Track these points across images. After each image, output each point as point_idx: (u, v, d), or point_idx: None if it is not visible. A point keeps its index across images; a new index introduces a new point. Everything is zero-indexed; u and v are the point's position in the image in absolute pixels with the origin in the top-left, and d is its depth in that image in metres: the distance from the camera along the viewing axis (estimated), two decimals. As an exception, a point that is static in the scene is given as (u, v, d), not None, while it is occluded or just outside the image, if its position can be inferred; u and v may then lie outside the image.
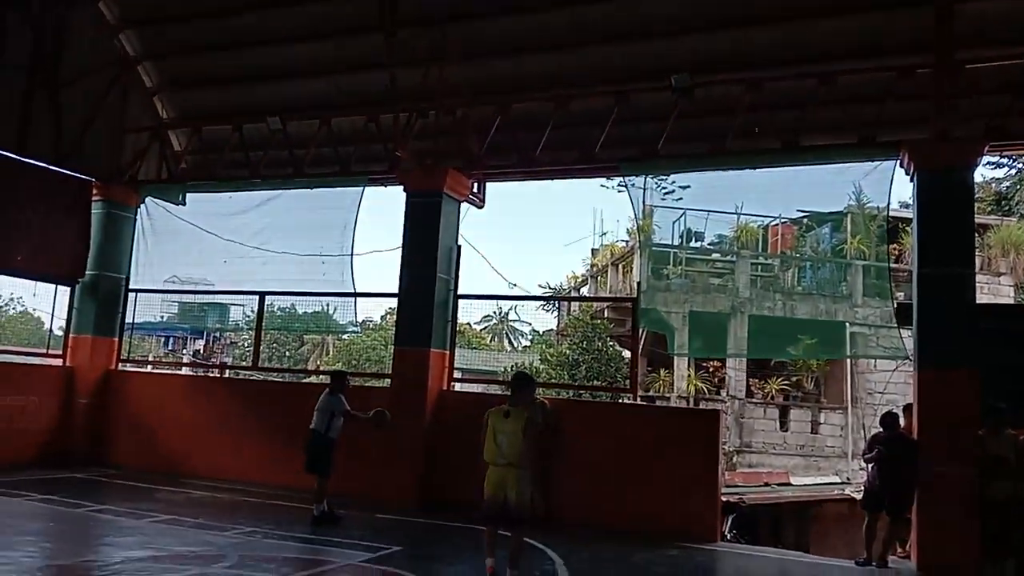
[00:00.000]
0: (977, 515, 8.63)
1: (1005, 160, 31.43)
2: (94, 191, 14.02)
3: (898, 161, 10.02)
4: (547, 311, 34.11)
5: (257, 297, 13.66)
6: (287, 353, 42.81)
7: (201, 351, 34.04)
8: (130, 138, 14.47)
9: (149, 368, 17.42)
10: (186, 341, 34.88)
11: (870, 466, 9.43)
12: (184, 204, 14.43)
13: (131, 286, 14.36)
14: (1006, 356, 9.45)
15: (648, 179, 13.05)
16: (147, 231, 14.53)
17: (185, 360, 31.48)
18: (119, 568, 6.70)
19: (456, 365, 12.29)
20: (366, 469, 11.13)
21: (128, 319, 14.37)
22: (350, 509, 10.13)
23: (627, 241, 29.14)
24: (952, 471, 8.75)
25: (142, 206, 14.50)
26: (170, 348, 34.36)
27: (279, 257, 13.26)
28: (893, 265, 17.81)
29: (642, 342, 14.74)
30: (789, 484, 16.09)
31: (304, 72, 13.28)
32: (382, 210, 14.36)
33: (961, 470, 8.73)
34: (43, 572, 6.51)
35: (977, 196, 31.31)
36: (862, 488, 10.79)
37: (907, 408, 9.79)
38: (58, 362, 13.90)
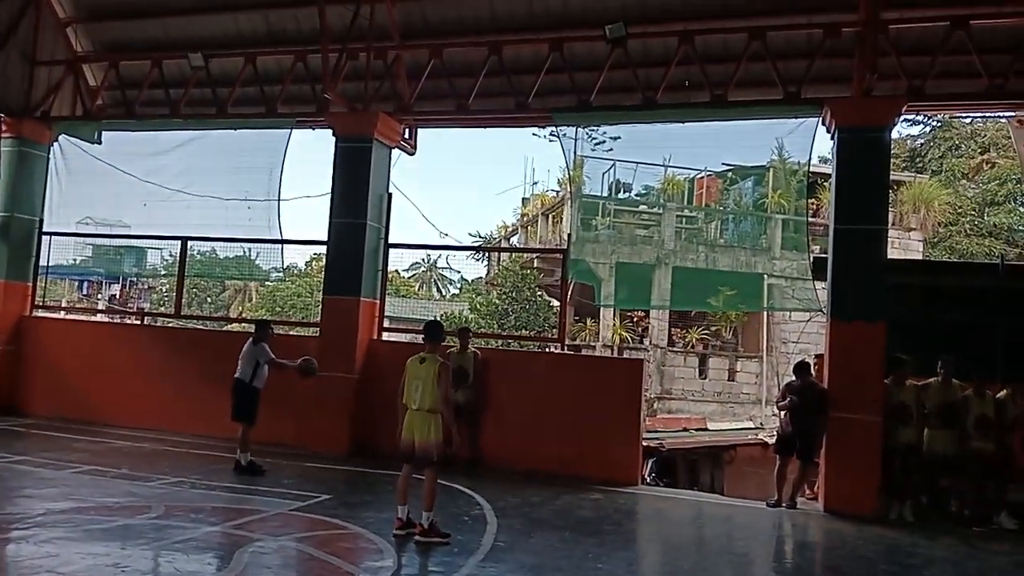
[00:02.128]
0: (880, 460, 9.18)
1: (920, 117, 32.54)
2: (3, 127, 13.30)
3: (820, 118, 10.30)
4: (477, 260, 34.20)
5: (178, 242, 13.26)
6: (208, 299, 41.84)
7: (117, 296, 32.96)
8: (42, 72, 13.70)
9: (63, 314, 16.79)
10: (101, 286, 33.71)
11: (783, 413, 9.89)
12: (100, 143, 13.80)
13: (44, 229, 13.75)
14: (911, 310, 9.98)
15: (579, 129, 13.06)
16: (61, 170, 13.90)
17: (101, 306, 30.45)
18: (41, 520, 6.57)
19: (385, 314, 12.26)
20: (296, 419, 11.14)
21: (42, 263, 13.79)
22: (281, 458, 10.13)
23: (557, 191, 29.28)
24: (858, 418, 9.25)
25: (55, 144, 13.84)
26: (85, 293, 33.17)
27: (202, 201, 12.85)
28: (811, 219, 18.41)
29: (570, 292, 14.95)
30: (706, 429, 16.73)
31: (229, 5, 12.74)
32: (310, 155, 14.06)
33: (867, 417, 9.23)
34: (-41, 525, 6.32)
35: (892, 152, 32.48)
36: (775, 433, 11.33)
37: (819, 357, 10.26)
38: (-34, 307, 13.28)
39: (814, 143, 10.86)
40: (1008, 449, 9.06)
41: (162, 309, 31.97)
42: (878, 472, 9.19)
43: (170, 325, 15.64)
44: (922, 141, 35.63)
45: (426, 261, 53.92)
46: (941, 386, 9.27)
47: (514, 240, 34.15)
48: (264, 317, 12.53)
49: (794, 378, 9.82)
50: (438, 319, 9.00)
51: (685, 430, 16.30)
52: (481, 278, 37.20)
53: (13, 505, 7.21)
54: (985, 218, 28.98)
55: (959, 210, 29.04)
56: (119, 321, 23.54)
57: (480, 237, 40.77)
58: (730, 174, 24.15)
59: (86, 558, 5.58)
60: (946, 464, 9.15)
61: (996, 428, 9.03)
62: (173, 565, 5.69)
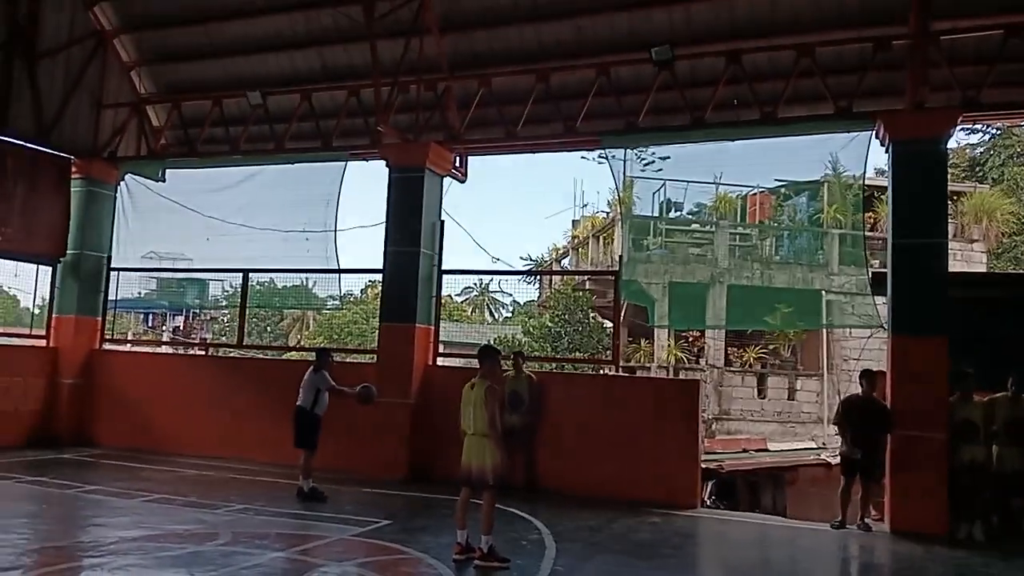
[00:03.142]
0: (947, 479, 8.93)
1: (979, 126, 31.69)
2: (74, 169, 13.90)
3: (874, 131, 10.17)
4: (529, 283, 34.25)
5: (239, 274, 13.63)
6: (267, 328, 42.72)
7: (181, 328, 33.88)
8: (108, 114, 14.35)
9: (130, 347, 17.38)
10: (165, 317, 34.67)
11: (845, 434, 9.63)
12: (164, 181, 14.36)
13: (112, 265, 14.30)
14: (974, 323, 9.72)
15: (628, 151, 13.11)
16: (127, 208, 14.47)
17: (165, 337, 31.34)
18: (114, 548, 6.80)
19: (440, 339, 12.40)
20: (355, 445, 11.31)
21: (110, 297, 14.32)
22: (341, 484, 10.30)
23: (607, 212, 29.28)
24: (923, 435, 9.03)
25: (122, 183, 14.43)
26: (150, 325, 34.17)
27: (262, 234, 13.24)
28: (868, 233, 18.08)
29: (623, 313, 14.92)
30: (767, 450, 16.43)
31: (284, 45, 13.23)
32: (365, 185, 14.39)
33: (932, 435, 9.01)
34: (39, 554, 6.59)
35: (951, 162, 31.69)
36: (838, 453, 11.09)
37: (880, 373, 10.02)
38: (42, 343, 13.86)
39: (868, 156, 10.75)
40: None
41: (224, 339, 32.79)
42: (945, 491, 8.93)
43: (232, 355, 16.05)
44: (982, 150, 34.67)
45: (478, 286, 54.23)
46: (1011, 402, 8.99)
47: (565, 262, 34.18)
48: (323, 345, 12.75)
49: (860, 388, 9.60)
50: (492, 343, 9.10)
51: (745, 451, 16.04)
52: (533, 301, 37.27)
53: (86, 534, 7.49)
54: (1051, 226, 28.00)
55: (1023, 220, 28.13)
56: (183, 352, 24.24)
57: (531, 260, 40.87)
58: (783, 190, 23.90)
59: (159, 584, 5.77)
60: (1018, 482, 8.85)
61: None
62: (241, 590, 5.84)
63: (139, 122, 14.45)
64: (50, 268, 13.91)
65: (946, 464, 8.97)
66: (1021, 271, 25.00)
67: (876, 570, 8.23)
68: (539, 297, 34.20)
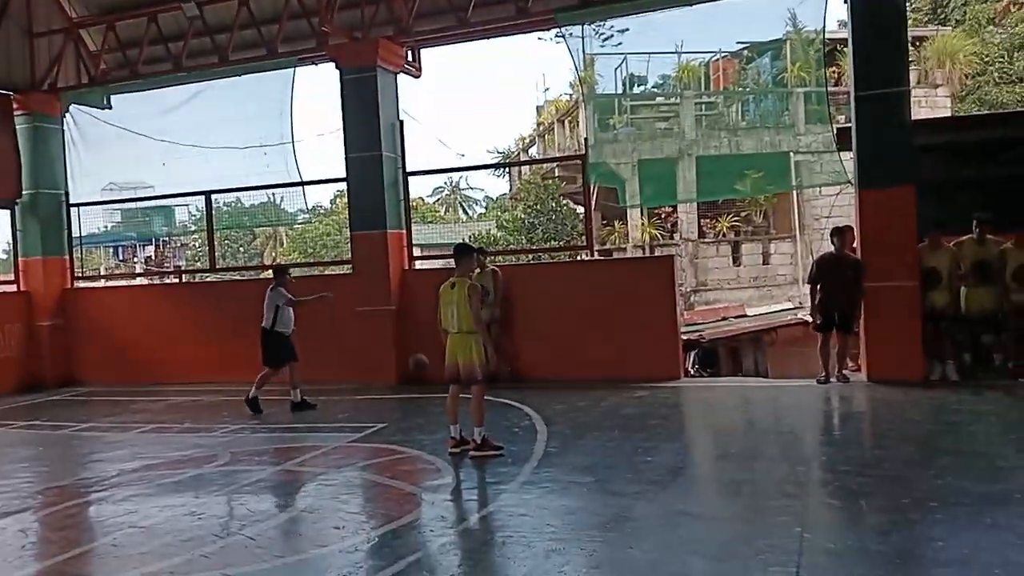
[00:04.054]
0: (919, 325, 9.19)
1: (940, -33, 30.98)
2: (15, 105, 13.36)
3: (831, -16, 9.91)
4: (498, 177, 33.95)
5: (203, 197, 13.37)
6: (240, 249, 42.37)
7: (153, 257, 33.51)
8: (42, 43, 13.67)
9: (103, 282, 17.20)
10: (135, 249, 34.25)
11: (818, 288, 9.83)
12: (110, 107, 13.88)
13: (71, 200, 13.95)
14: (940, 170, 9.79)
15: (585, 27, 12.73)
16: (76, 140, 14.01)
17: (138, 269, 31.02)
18: (117, 480, 6.92)
19: (414, 242, 12.34)
20: (345, 356, 11.44)
21: (75, 235, 14.05)
22: (333, 395, 10.46)
23: (571, 95, 28.73)
24: (894, 285, 9.23)
25: (67, 115, 13.91)
26: (121, 258, 33.77)
27: (220, 153, 12.93)
28: (832, 89, 17.94)
29: (594, 197, 14.85)
30: (745, 316, 16.74)
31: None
32: (322, 92, 13.95)
33: (902, 283, 9.21)
34: (44, 495, 6.69)
35: (913, 6, 31.11)
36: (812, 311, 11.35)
37: (849, 228, 10.14)
38: (12, 288, 13.66)
39: (827, 8, 10.50)
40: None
41: (198, 265, 32.50)
42: (918, 336, 9.21)
43: (208, 279, 15.95)
44: (944, -10, 34.02)
45: (448, 185, 53.71)
46: (976, 244, 9.17)
47: (532, 151, 33.78)
48: (281, 263, 12.43)
49: (831, 245, 9.76)
50: (466, 241, 9.08)
51: (724, 319, 16.33)
52: (505, 195, 37.04)
53: (87, 470, 7.59)
54: (1014, 64, 27.82)
55: (986, 59, 27.89)
56: (158, 282, 24.05)
57: (498, 153, 40.36)
58: (746, 52, 23.38)
59: (163, 511, 5.90)
60: (986, 320, 9.15)
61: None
62: (246, 507, 5.99)
63: (75, 48, 13.80)
64: (8, 211, 13.57)
65: (918, 310, 9.21)
66: (985, 112, 24.96)
67: (857, 417, 8.56)
68: (511, 190, 33.92)
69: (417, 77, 12.53)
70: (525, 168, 30.43)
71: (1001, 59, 28.27)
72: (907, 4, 10.06)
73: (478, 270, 10.67)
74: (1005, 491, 5.21)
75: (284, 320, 9.83)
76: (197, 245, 35.53)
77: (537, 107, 33.62)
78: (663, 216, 23.63)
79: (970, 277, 9.14)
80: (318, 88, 15.40)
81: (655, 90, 24.20)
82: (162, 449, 8.18)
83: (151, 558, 4.88)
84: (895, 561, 4.26)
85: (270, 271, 11.64)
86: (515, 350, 10.85)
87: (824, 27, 11.17)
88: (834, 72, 20.48)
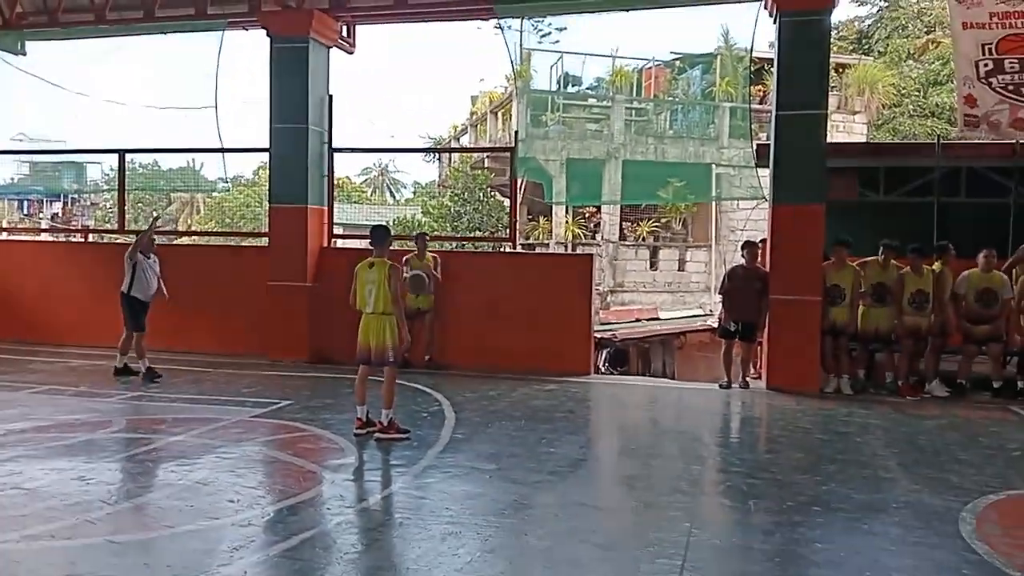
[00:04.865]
0: (818, 338, 9.61)
1: (868, -1, 32.27)
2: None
3: (763, 2, 10.22)
4: (428, 162, 33.75)
5: (117, 155, 12.87)
6: (154, 213, 40.91)
7: (60, 214, 32.05)
8: (-49, -20, 12.87)
9: (6, 235, 16.36)
10: (42, 204, 32.73)
11: (724, 297, 10.22)
12: (24, 54, 13.18)
13: (-28, 147, 13.25)
14: (849, 191, 10.25)
15: (524, 21, 12.79)
16: (-15, 86, 13.29)
17: (44, 225, 29.63)
18: (3, 440, 6.62)
19: (336, 220, 12.18)
20: (255, 328, 11.22)
21: (-25, 184, 13.36)
22: (241, 369, 10.25)
23: (506, 87, 28.78)
24: (798, 299, 9.61)
25: (-25, 58, 13.15)
26: (26, 212, 32.21)
27: (138, 111, 12.50)
28: (757, 106, 18.51)
29: (522, 191, 14.97)
30: (658, 319, 17.18)
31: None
32: (249, 58, 13.57)
33: (806, 297, 9.60)
34: (-82, 449, 6.35)
35: (840, 35, 32.35)
36: (718, 319, 11.75)
37: (762, 242, 10.54)
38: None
39: (756, 28, 10.83)
40: (945, 321, 9.51)
41: (107, 225, 31.24)
42: (816, 350, 9.62)
43: (117, 241, 15.35)
44: (870, 22, 35.49)
45: (377, 166, 53.10)
46: (880, 267, 9.62)
47: (464, 140, 33.71)
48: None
49: (741, 257, 10.12)
50: (387, 224, 9.01)
51: (638, 320, 16.72)
52: (434, 181, 36.85)
53: (-28, 427, 7.23)
54: (928, 98, 29.26)
55: (903, 91, 29.26)
56: (64, 240, 23.02)
57: (431, 139, 40.12)
58: (678, 63, 23.98)
59: (50, 473, 5.69)
60: (878, 339, 9.65)
61: (933, 302, 9.45)
62: (137, 475, 5.83)
63: (-12, -11, 13.05)
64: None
65: (818, 325, 9.61)
66: (898, 141, 26.18)
67: (752, 421, 8.89)
68: (440, 177, 33.76)
69: (351, 53, 12.34)
70: (455, 156, 30.36)
71: (917, 92, 29.67)
72: (832, 31, 10.45)
73: (416, 255, 10.61)
74: (884, 500, 5.51)
75: (139, 285, 9.60)
76: (108, 206, 34.16)
77: (472, 97, 33.57)
78: (587, 216, 23.96)
79: (869, 297, 9.60)
80: (247, 54, 15.00)
81: (588, 91, 24.54)
82: (54, 412, 7.86)
83: (33, 520, 4.71)
84: (775, 559, 4.47)
85: (185, 237, 11.28)
86: (435, 339, 10.84)
87: (752, 45, 11.55)
88: (760, 90, 21.14)
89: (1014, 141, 9.75)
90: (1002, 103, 9.58)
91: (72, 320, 12.32)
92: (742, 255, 10.16)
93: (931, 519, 5.12)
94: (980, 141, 9.70)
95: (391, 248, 7.53)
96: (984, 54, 9.63)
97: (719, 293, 10.49)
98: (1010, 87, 9.55)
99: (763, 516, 5.19)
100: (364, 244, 13.54)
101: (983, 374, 9.57)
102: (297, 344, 11.16)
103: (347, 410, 7.54)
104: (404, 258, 10.24)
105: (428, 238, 11.52)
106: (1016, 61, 9.53)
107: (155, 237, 10.15)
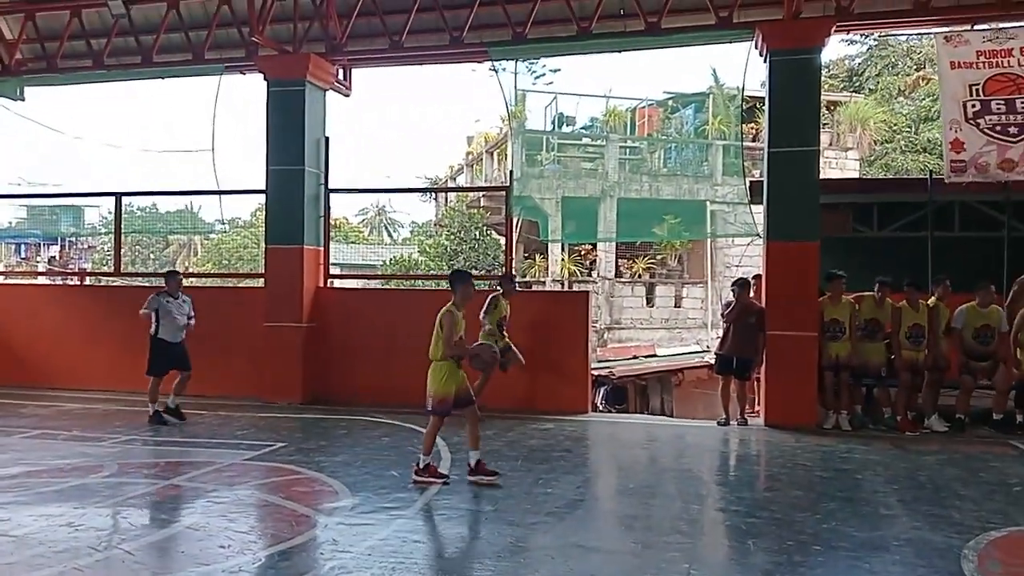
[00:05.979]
0: (816, 374, 9.56)
1: (858, 37, 32.77)
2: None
3: (753, 42, 10.36)
4: (424, 202, 33.92)
5: (113, 198, 12.90)
6: (151, 255, 40.95)
7: (57, 257, 32.11)
8: (-47, 28, 13.05)
9: (2, 279, 16.35)
10: (40, 247, 32.81)
11: (721, 332, 10.22)
12: (23, 99, 13.30)
13: (-30, 192, 13.30)
14: (842, 227, 10.28)
15: (518, 63, 12.95)
16: (-16, 132, 13.38)
17: (41, 268, 29.64)
18: (-9, 485, 6.54)
19: (333, 261, 12.20)
20: (250, 371, 11.17)
21: (-28, 228, 13.38)
22: (235, 410, 10.17)
23: (501, 127, 29.05)
24: (794, 335, 9.59)
25: (-25, 104, 13.27)
26: (23, 256, 32.27)
27: (135, 155, 12.62)
28: (749, 144, 18.68)
29: (517, 230, 15.02)
30: (655, 356, 17.13)
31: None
32: (246, 102, 13.71)
33: (802, 333, 9.57)
34: (-93, 495, 6.26)
35: (831, 73, 32.80)
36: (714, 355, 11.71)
37: (756, 278, 10.55)
38: None
39: (747, 67, 10.98)
40: (942, 355, 9.48)
41: (104, 268, 31.25)
42: (814, 386, 9.58)
43: (114, 284, 15.36)
44: (860, 60, 35.99)
45: (374, 207, 53.38)
46: (876, 303, 9.61)
47: (460, 180, 33.93)
48: (175, 270, 11.62)
49: (732, 297, 10.13)
50: (465, 269, 8.80)
51: (635, 357, 16.67)
52: (431, 221, 37.01)
53: (-38, 473, 7.14)
54: (919, 134, 29.57)
55: (894, 128, 29.58)
56: (60, 283, 23.02)
57: (427, 179, 40.37)
58: (671, 102, 24.28)
59: (39, 520, 5.60)
60: (877, 374, 9.60)
61: (929, 336, 9.43)
62: (128, 520, 5.74)
63: (-11, 35, 13.22)
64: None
65: (815, 360, 9.58)
66: (890, 176, 26.40)
67: (751, 459, 8.81)
68: (436, 216, 33.93)
69: (347, 96, 12.46)
70: (452, 196, 30.55)
71: (908, 129, 30.01)
72: (823, 69, 10.59)
73: (505, 296, 10.14)
74: (884, 538, 5.44)
75: (167, 327, 9.61)
76: (106, 248, 34.20)
77: (468, 137, 33.87)
78: (583, 253, 24.03)
79: (862, 332, 9.58)
80: (243, 97, 15.15)
81: (583, 131, 24.80)
82: (46, 456, 7.77)
83: (19, 569, 4.62)
84: (775, 600, 4.39)
85: (183, 278, 11.21)
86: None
87: (743, 84, 11.69)
88: (752, 128, 21.35)
89: (1003, 181, 9.81)
90: (989, 144, 9.63)
91: (67, 363, 12.26)
92: (732, 292, 10.18)
93: (933, 556, 5.05)
94: (971, 180, 9.74)
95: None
96: (971, 95, 9.72)
97: (726, 321, 10.37)
98: (997, 127, 9.62)
99: (763, 556, 5.11)
100: (361, 284, 13.61)
101: (982, 408, 9.51)
102: (292, 385, 11.09)
103: (341, 452, 7.48)
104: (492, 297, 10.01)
105: (515, 277, 10.97)
106: (1003, 102, 9.62)
107: (181, 279, 10.20)
